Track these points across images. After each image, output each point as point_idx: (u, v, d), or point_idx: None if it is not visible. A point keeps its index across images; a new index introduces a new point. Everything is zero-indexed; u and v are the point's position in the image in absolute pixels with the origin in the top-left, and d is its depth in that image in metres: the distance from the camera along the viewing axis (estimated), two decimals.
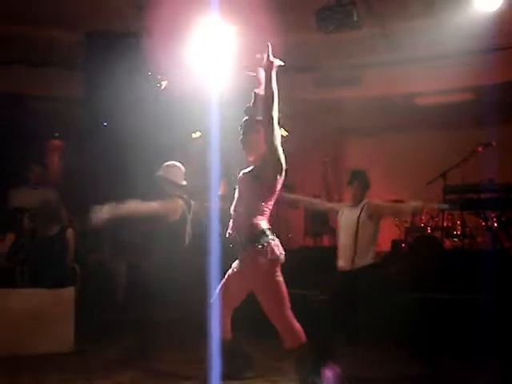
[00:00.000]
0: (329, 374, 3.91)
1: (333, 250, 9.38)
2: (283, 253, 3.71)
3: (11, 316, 5.60)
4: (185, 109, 7.74)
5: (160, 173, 5.39)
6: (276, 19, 6.29)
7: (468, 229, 7.84)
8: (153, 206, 5.18)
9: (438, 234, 8.09)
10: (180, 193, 5.36)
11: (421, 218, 8.45)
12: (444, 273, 6.61)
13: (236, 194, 3.88)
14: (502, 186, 7.12)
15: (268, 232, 3.70)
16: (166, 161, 5.54)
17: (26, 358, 5.35)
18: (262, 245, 3.65)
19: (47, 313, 5.75)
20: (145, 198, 5.28)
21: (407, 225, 8.60)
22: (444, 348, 5.69)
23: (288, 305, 3.69)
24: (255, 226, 3.68)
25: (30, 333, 5.60)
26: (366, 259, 5.36)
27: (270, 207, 3.79)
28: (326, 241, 9.69)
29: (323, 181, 6.53)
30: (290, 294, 3.76)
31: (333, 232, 9.78)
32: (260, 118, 3.85)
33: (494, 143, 7.36)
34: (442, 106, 8.62)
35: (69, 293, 5.96)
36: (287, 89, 8.83)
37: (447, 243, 8.00)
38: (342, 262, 5.42)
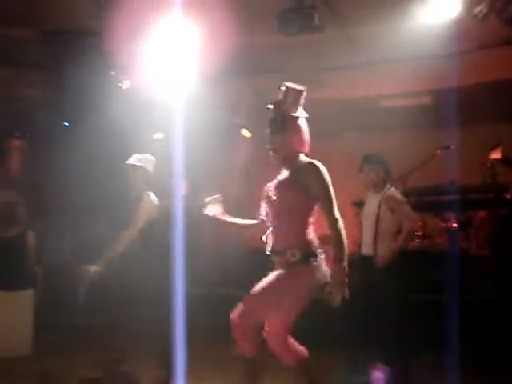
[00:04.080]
0: (378, 374, 3.93)
1: None
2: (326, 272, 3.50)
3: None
4: (147, 109, 7.68)
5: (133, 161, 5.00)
6: (239, 21, 6.29)
7: (428, 230, 7.96)
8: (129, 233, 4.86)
9: None
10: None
11: None
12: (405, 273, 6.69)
13: (269, 203, 3.56)
14: (461, 187, 7.24)
15: (320, 249, 3.52)
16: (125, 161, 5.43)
17: None
18: (317, 262, 3.46)
19: (5, 315, 5.66)
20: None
21: None
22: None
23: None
24: (310, 242, 3.47)
25: None
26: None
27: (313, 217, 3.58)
28: None
29: None
30: None
31: None
32: (293, 114, 3.58)
33: (452, 146, 7.49)
34: (402, 108, 8.74)
35: (28, 295, 5.87)
36: (250, 91, 8.90)
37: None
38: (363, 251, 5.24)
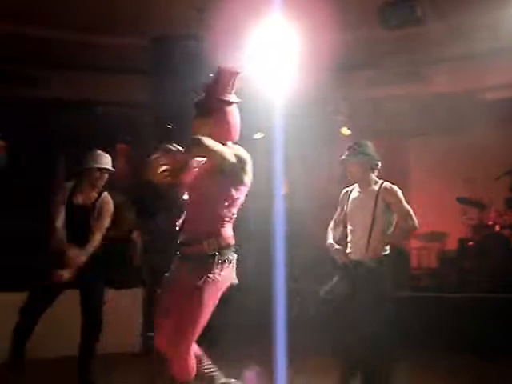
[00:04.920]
0: (249, 375, 3.74)
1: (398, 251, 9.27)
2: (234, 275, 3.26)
3: (79, 316, 5.69)
4: (247, 109, 7.76)
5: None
6: (338, 16, 6.23)
7: None
8: None
9: (506, 232, 7.89)
10: None
11: (488, 216, 8.25)
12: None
13: (187, 191, 3.31)
14: None
15: (233, 247, 3.25)
16: None
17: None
18: (229, 261, 3.20)
19: (115, 313, 5.85)
20: None
21: (474, 222, 8.40)
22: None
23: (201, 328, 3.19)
24: (223, 237, 3.20)
25: None
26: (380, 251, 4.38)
27: (235, 212, 3.29)
28: None
29: None
30: None
31: None
32: (222, 97, 3.26)
33: None
34: (508, 100, 8.37)
35: (137, 293, 6.07)
36: (350, 88, 8.80)
37: None
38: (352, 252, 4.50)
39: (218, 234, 3.17)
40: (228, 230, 3.23)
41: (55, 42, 7.68)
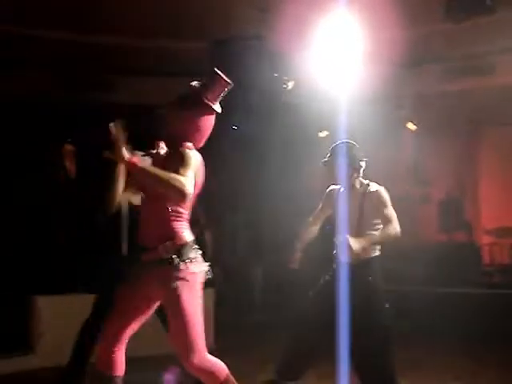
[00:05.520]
0: (169, 377, 3.57)
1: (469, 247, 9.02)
2: (206, 268, 3.19)
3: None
4: (312, 108, 7.74)
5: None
6: (402, 12, 6.14)
7: None
8: None
9: None
10: None
11: None
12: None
13: (142, 190, 3.17)
14: None
15: (194, 244, 3.14)
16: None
17: (165, 357, 5.52)
18: (190, 259, 3.07)
19: None
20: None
21: None
22: None
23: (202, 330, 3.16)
24: (179, 237, 3.09)
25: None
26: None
27: (187, 210, 3.16)
28: (459, 237, 9.34)
29: None
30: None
31: (468, 228, 9.50)
32: (206, 101, 3.15)
33: None
34: None
35: (208, 294, 6.12)
36: (415, 82, 8.64)
37: None
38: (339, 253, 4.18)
39: (172, 236, 3.08)
40: (183, 228, 3.12)
41: (119, 49, 7.87)
